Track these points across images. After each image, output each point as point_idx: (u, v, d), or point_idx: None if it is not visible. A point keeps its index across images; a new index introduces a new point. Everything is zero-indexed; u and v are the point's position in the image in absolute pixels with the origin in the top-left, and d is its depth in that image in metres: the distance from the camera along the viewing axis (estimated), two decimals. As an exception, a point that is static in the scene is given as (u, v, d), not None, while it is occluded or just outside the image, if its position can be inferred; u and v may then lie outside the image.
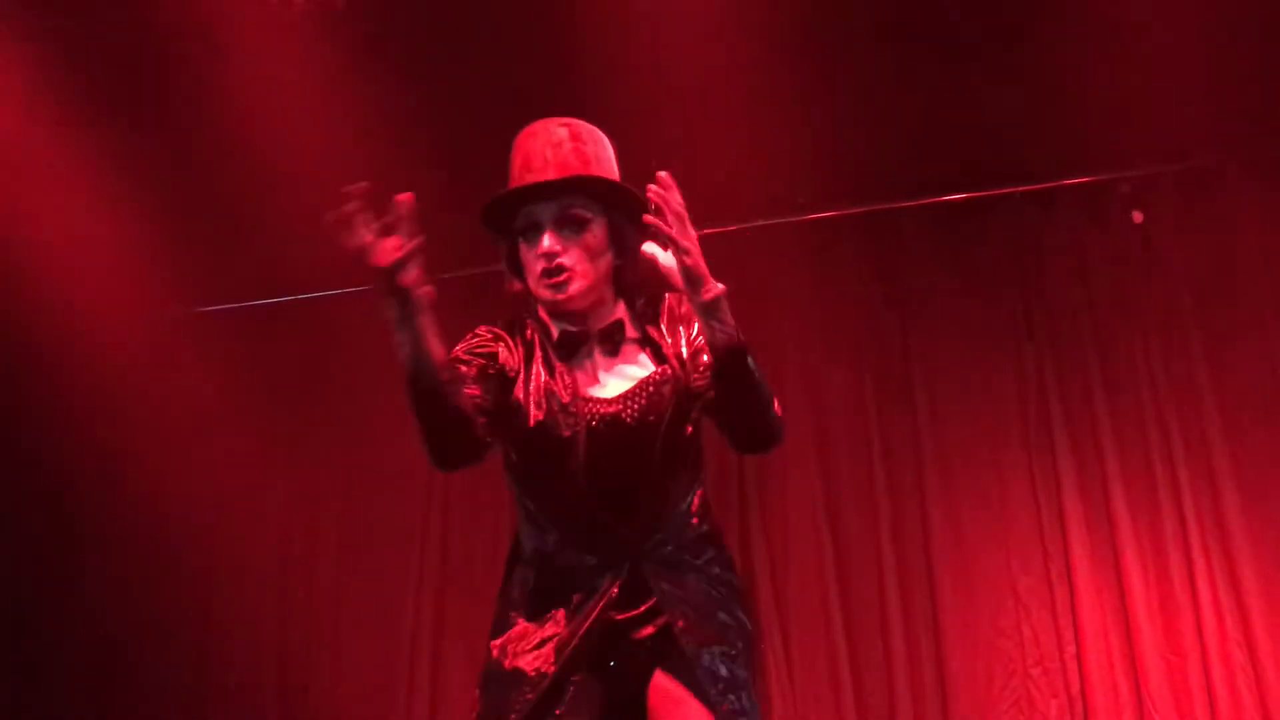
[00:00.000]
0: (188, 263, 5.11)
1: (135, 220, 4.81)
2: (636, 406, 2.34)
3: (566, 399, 2.33)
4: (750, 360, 2.22)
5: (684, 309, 2.42)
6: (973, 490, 4.70)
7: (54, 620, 5.23)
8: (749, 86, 4.29)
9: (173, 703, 5.10)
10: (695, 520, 2.39)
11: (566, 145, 2.39)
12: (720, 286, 2.24)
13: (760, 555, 4.74)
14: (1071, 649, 4.44)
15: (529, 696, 2.24)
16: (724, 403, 2.28)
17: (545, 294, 2.36)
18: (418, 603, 5.05)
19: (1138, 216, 4.69)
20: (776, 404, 2.30)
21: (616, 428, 2.32)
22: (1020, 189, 4.84)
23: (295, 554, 5.26)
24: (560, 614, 2.31)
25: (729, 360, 2.21)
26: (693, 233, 2.24)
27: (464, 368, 2.32)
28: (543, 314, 2.43)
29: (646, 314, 2.45)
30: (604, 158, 2.43)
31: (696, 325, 2.34)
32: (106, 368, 5.14)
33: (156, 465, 5.18)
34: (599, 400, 2.35)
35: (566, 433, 2.31)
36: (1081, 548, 4.50)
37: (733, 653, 2.29)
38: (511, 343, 2.40)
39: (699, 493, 2.43)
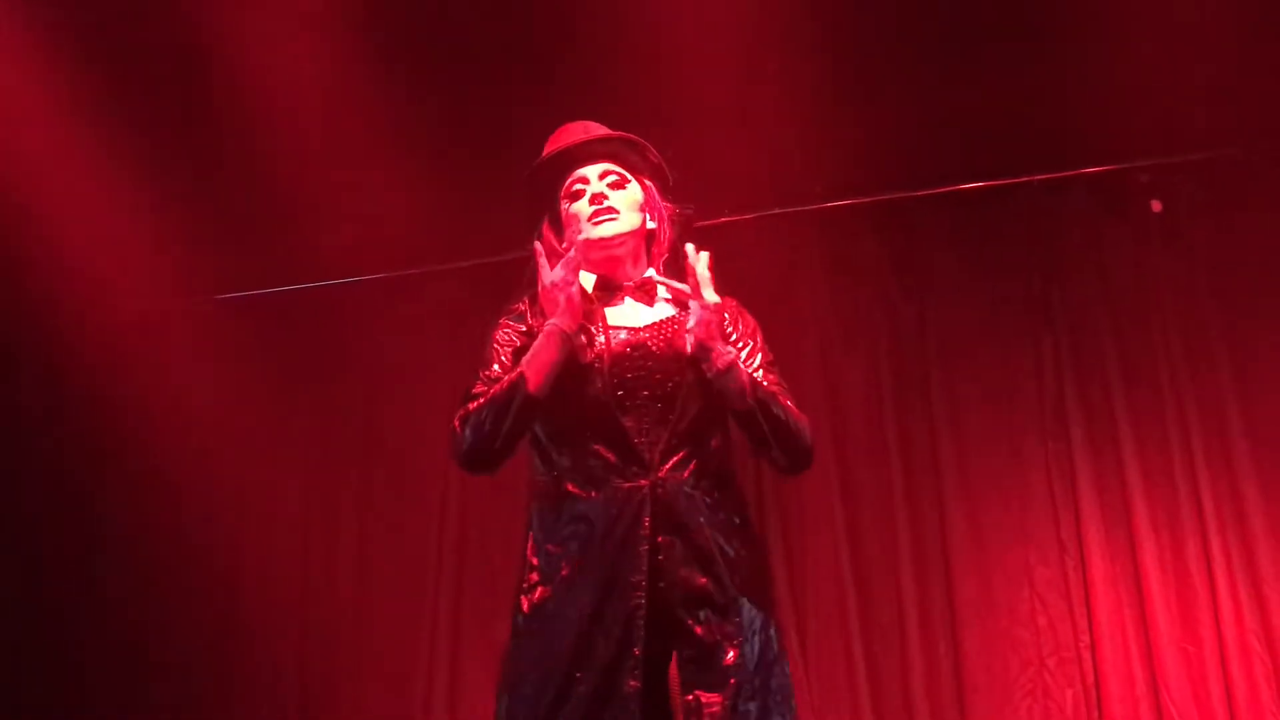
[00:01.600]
0: (205, 250, 5.13)
1: (153, 207, 4.82)
2: (664, 337, 2.48)
3: (593, 328, 2.46)
4: (768, 412, 2.39)
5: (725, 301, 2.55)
6: (989, 481, 4.68)
7: (75, 605, 5.25)
8: (767, 75, 4.28)
9: (194, 689, 5.12)
10: (717, 457, 2.45)
11: (601, 129, 2.66)
12: (730, 354, 2.40)
13: (776, 547, 4.74)
14: (1087, 639, 4.42)
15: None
16: (750, 439, 2.43)
17: (594, 231, 2.54)
18: (437, 585, 5.07)
19: (1156, 205, 4.67)
20: (807, 432, 2.48)
21: (641, 351, 2.45)
22: (1038, 177, 4.82)
23: (315, 541, 5.27)
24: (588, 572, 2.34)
25: (746, 419, 2.40)
26: (712, 300, 2.42)
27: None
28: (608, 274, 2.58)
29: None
30: (645, 147, 2.69)
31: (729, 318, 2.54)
32: (123, 356, 5.17)
33: (175, 453, 5.20)
34: (628, 328, 2.50)
35: (591, 355, 2.43)
36: (1098, 538, 4.48)
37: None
38: (534, 311, 2.55)
39: (720, 435, 2.49)
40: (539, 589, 2.40)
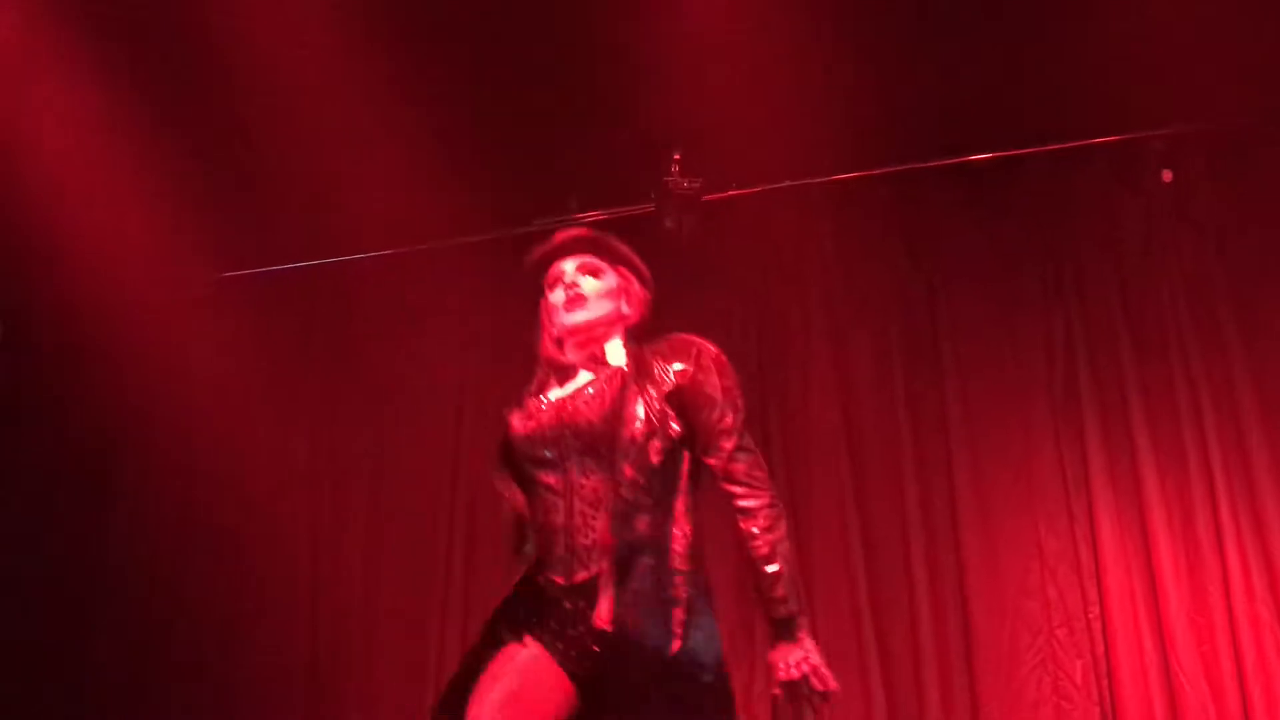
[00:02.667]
0: (214, 228, 5.13)
1: (161, 186, 4.82)
2: (582, 396, 2.69)
3: (539, 402, 2.75)
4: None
5: (685, 381, 2.69)
6: (999, 452, 4.69)
7: (86, 585, 5.29)
8: (777, 46, 4.26)
9: (203, 670, 5.16)
10: (672, 559, 2.60)
11: (584, 232, 2.93)
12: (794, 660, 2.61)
13: (787, 520, 4.74)
14: (1096, 609, 4.44)
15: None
16: None
17: (564, 319, 2.81)
18: (448, 565, 5.10)
19: (1167, 175, 4.65)
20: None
21: (569, 414, 2.67)
22: (1049, 148, 4.80)
23: (324, 520, 5.30)
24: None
25: None
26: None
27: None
28: (552, 356, 2.84)
29: (643, 357, 2.75)
30: (618, 243, 2.92)
31: (703, 409, 2.67)
32: (135, 334, 5.18)
33: (185, 430, 5.23)
34: (562, 396, 2.73)
35: (533, 425, 2.70)
36: (1108, 509, 4.49)
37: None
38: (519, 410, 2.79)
39: (678, 530, 2.62)
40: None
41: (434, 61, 4.47)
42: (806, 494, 4.78)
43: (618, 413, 2.63)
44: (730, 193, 4.95)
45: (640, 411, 2.63)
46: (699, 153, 4.73)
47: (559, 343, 2.84)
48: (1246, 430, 4.46)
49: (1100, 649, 4.40)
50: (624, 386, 2.68)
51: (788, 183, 4.97)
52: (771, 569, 2.61)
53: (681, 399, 2.66)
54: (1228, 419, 4.49)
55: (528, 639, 2.62)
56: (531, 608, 2.63)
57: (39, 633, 5.16)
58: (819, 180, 4.99)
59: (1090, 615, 4.44)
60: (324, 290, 5.46)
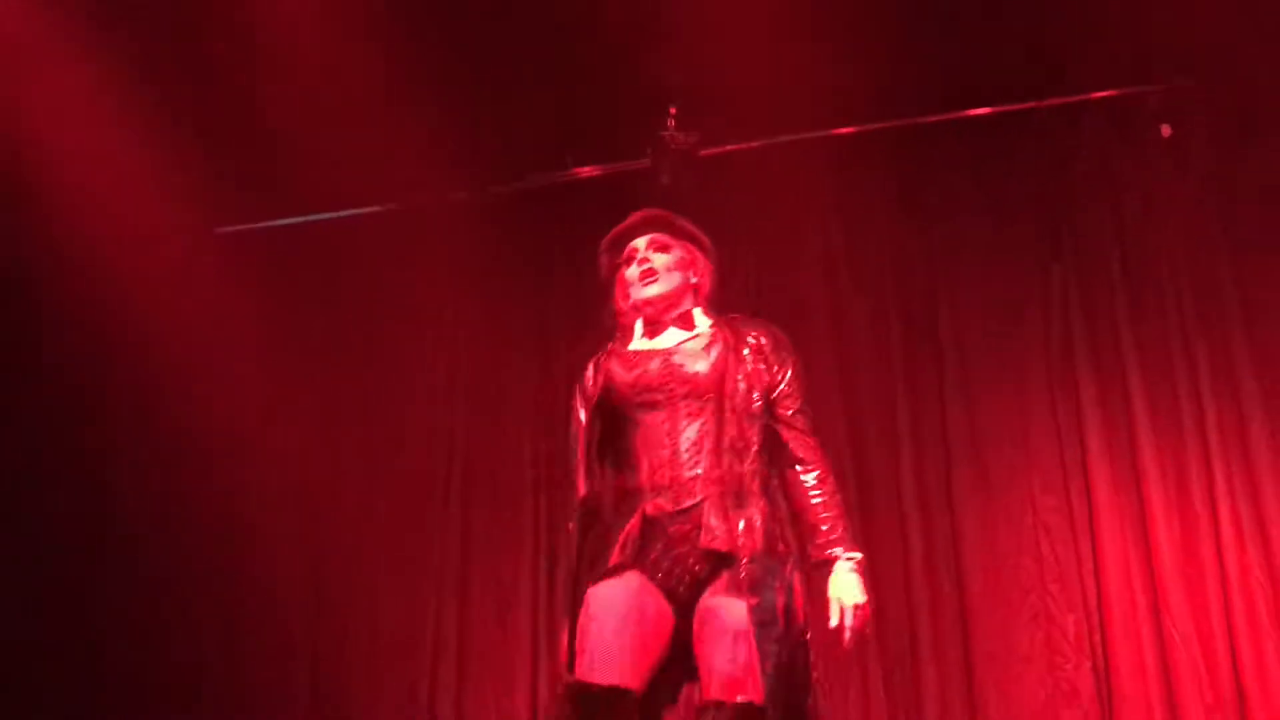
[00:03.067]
0: (207, 183, 5.10)
1: (155, 139, 4.79)
2: (684, 351, 3.06)
3: (643, 358, 3.07)
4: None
5: (768, 347, 3.10)
6: (995, 410, 4.70)
7: (80, 535, 5.29)
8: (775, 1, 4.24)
9: (201, 625, 5.18)
10: (751, 476, 2.96)
11: (659, 212, 3.27)
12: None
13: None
14: (1090, 565, 4.47)
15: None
16: None
17: (638, 291, 3.14)
18: (444, 519, 5.12)
19: (1166, 130, 4.63)
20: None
21: (677, 364, 3.03)
22: (1048, 103, 4.78)
23: (318, 475, 5.28)
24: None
25: None
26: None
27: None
28: (627, 320, 3.19)
29: (727, 324, 3.13)
30: (683, 220, 3.27)
31: (778, 371, 3.08)
32: (129, 289, 5.16)
33: (180, 385, 5.21)
34: (663, 350, 3.08)
35: (640, 373, 3.04)
36: (1102, 466, 4.51)
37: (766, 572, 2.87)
38: (594, 373, 3.15)
39: (759, 464, 2.98)
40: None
41: (430, 17, 4.43)
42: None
43: (719, 365, 3.02)
44: (727, 148, 4.93)
45: (737, 367, 3.02)
46: (695, 107, 4.70)
47: (635, 310, 3.18)
48: (1242, 389, 4.47)
49: (1093, 604, 4.44)
50: (722, 345, 3.06)
51: (785, 138, 4.94)
52: (829, 513, 2.96)
53: (764, 360, 3.06)
54: (1223, 378, 4.50)
55: (628, 573, 2.89)
56: (634, 536, 2.92)
57: (32, 573, 5.19)
58: (816, 135, 4.96)
59: (1084, 571, 4.47)
60: (320, 245, 5.43)
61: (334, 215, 5.37)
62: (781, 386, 3.06)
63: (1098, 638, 4.40)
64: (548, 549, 4.97)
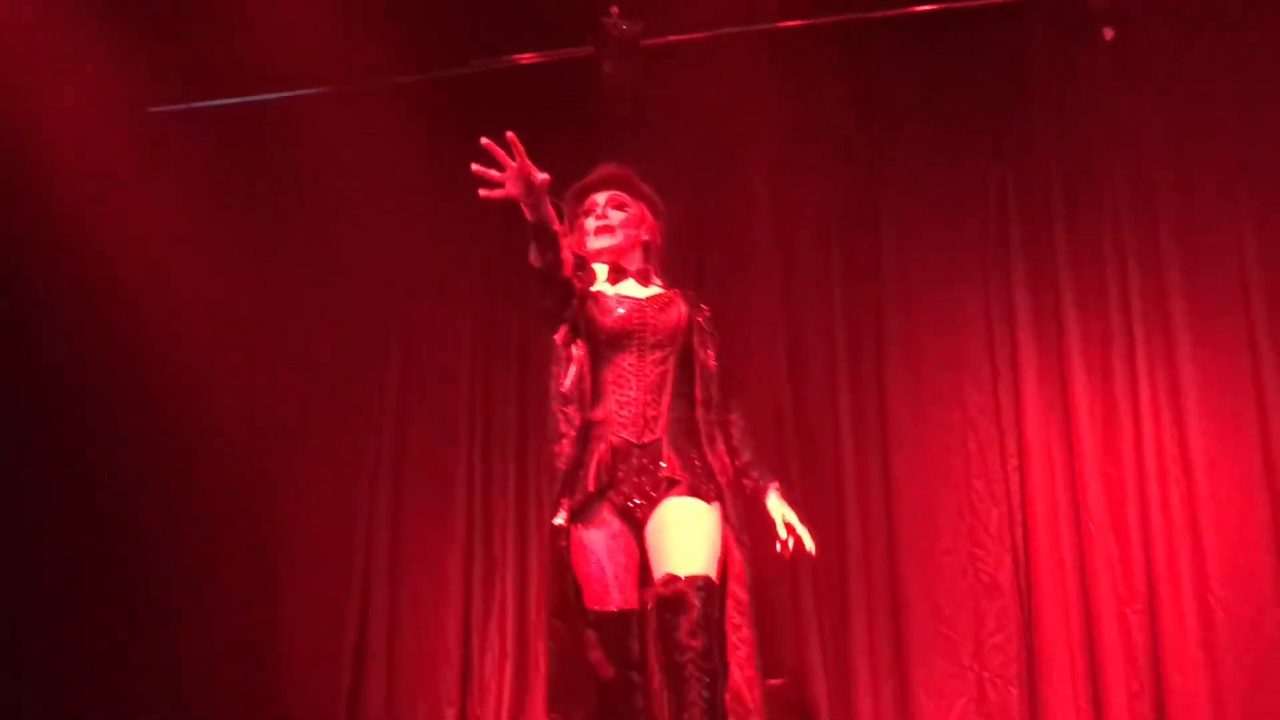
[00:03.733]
0: (148, 61, 4.97)
1: (85, 18, 4.67)
2: (656, 303, 3.47)
3: (615, 303, 3.45)
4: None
5: (709, 316, 3.56)
6: (930, 307, 4.76)
7: (13, 428, 5.25)
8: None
9: (134, 536, 5.16)
10: (701, 419, 3.42)
11: (622, 170, 3.63)
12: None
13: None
14: (1015, 462, 4.58)
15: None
16: None
17: (595, 243, 3.52)
18: (379, 424, 5.13)
19: (1109, 34, 4.62)
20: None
21: (649, 316, 3.44)
22: (993, 1, 4.75)
23: (260, 371, 5.28)
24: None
25: None
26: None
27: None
28: (607, 261, 3.53)
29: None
30: (638, 178, 3.64)
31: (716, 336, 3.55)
32: (70, 173, 5.02)
33: (124, 273, 5.12)
34: (633, 299, 3.47)
35: (618, 319, 3.42)
36: (1030, 366, 4.59)
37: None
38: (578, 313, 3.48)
39: (708, 410, 3.43)
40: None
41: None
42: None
43: (682, 321, 3.47)
44: (671, 38, 4.86)
45: (693, 326, 3.48)
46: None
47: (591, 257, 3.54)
48: (1169, 294, 4.55)
49: (1016, 499, 4.55)
50: (683, 304, 3.51)
51: (731, 29, 4.88)
52: (754, 454, 3.50)
53: (709, 325, 3.53)
54: (1152, 284, 4.57)
55: (604, 511, 3.36)
56: (605, 463, 3.36)
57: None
58: (763, 28, 4.90)
59: (1008, 467, 4.58)
60: (257, 129, 5.32)
61: (272, 97, 5.25)
62: (713, 351, 3.52)
63: (1019, 532, 4.52)
64: (483, 456, 5.00)
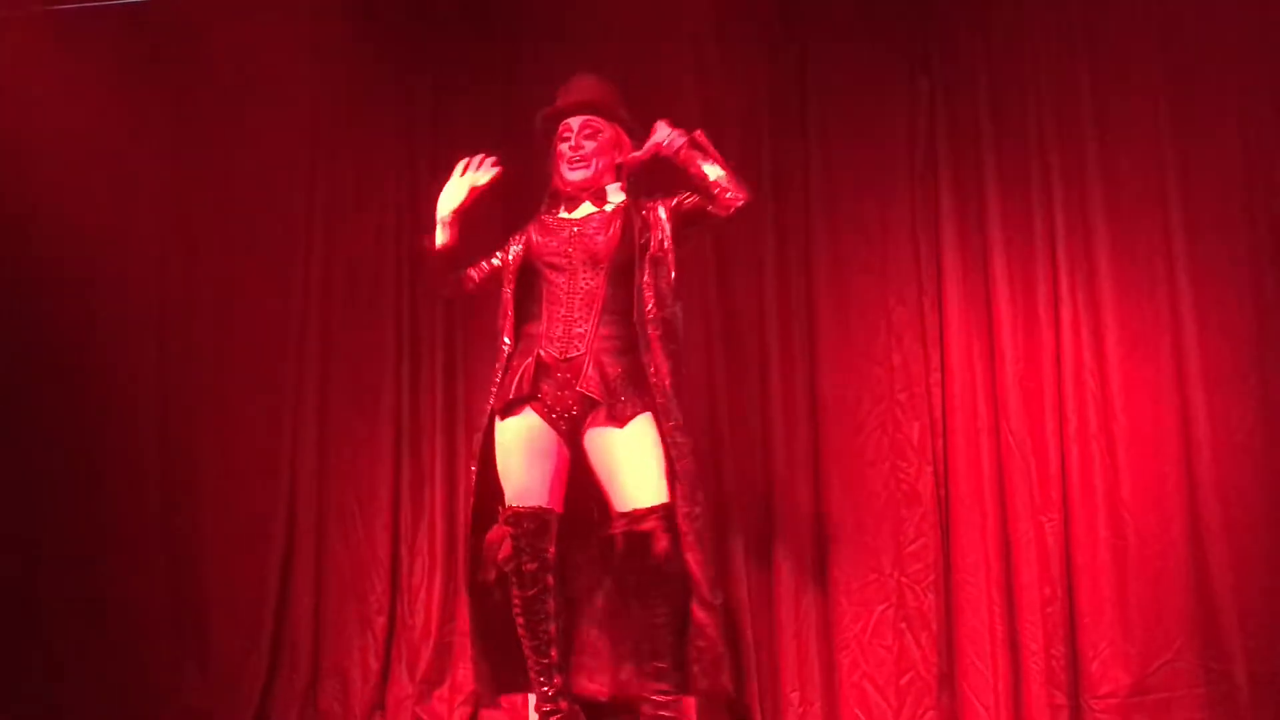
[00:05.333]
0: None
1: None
2: (592, 224, 3.77)
3: (558, 227, 3.82)
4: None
5: (657, 205, 3.79)
6: (857, 222, 4.76)
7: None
8: None
9: (46, 447, 5.09)
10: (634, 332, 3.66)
11: (593, 86, 3.86)
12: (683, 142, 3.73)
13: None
14: (937, 375, 4.64)
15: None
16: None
17: (571, 175, 3.79)
18: (303, 326, 5.05)
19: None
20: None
21: (580, 235, 3.74)
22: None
23: (172, 272, 5.16)
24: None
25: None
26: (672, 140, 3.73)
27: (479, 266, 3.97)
28: (560, 188, 3.86)
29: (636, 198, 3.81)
30: (617, 99, 3.88)
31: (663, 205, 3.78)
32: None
33: (21, 180, 4.93)
34: (575, 219, 3.80)
35: (551, 238, 3.80)
36: (955, 281, 4.63)
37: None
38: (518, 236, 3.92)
39: (642, 320, 3.65)
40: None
41: None
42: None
43: (614, 238, 3.70)
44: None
45: (632, 238, 3.68)
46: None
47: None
48: (1091, 216, 4.59)
49: (938, 412, 4.63)
50: (623, 218, 3.73)
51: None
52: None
53: (655, 215, 3.75)
54: (1075, 204, 4.61)
55: (526, 410, 3.67)
56: (529, 375, 3.65)
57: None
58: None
59: (931, 381, 4.65)
60: (163, 24, 5.10)
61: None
62: (673, 205, 3.76)
63: (940, 444, 4.61)
64: (410, 366, 4.96)
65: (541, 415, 3.68)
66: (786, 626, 4.56)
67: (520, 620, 3.70)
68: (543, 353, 3.68)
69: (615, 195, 3.83)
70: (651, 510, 3.55)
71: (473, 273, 3.94)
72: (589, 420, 3.65)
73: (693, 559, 3.55)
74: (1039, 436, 4.55)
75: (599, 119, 3.80)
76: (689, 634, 3.60)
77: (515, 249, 3.86)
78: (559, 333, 3.68)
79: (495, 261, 3.92)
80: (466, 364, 4.94)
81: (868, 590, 4.59)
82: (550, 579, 3.68)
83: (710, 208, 3.66)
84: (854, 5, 4.82)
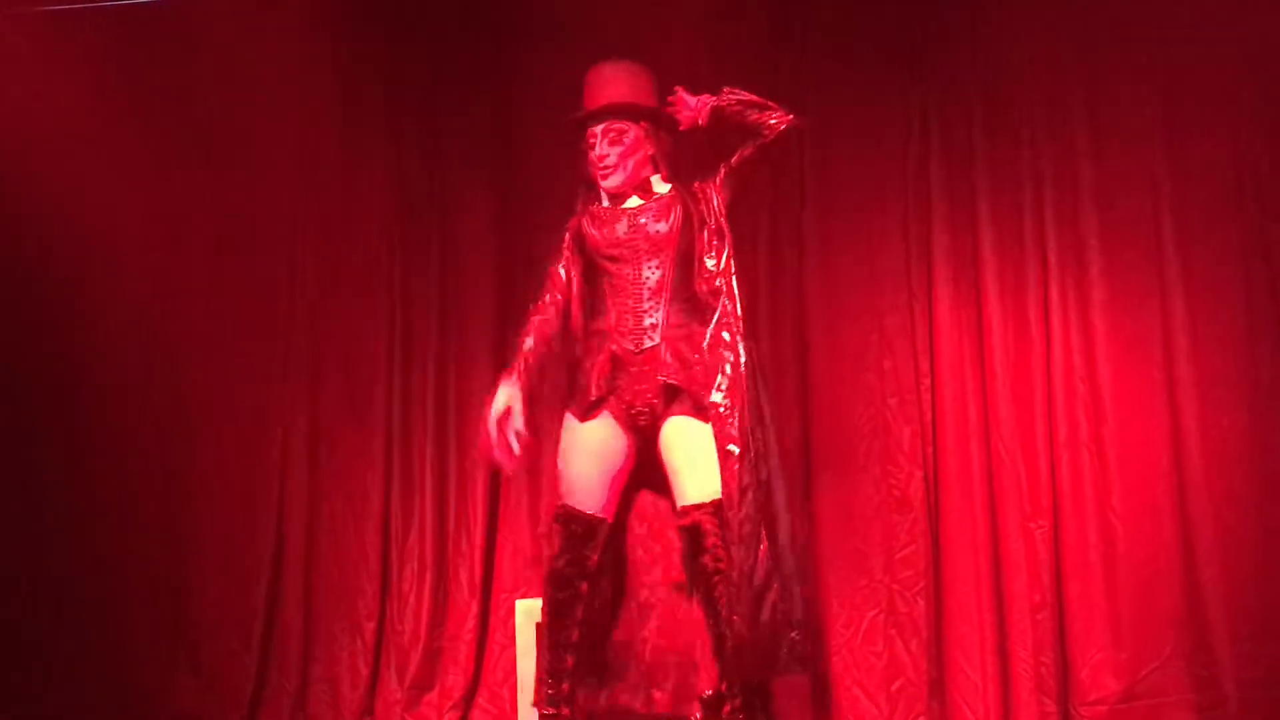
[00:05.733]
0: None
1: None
2: (649, 213, 3.70)
3: (612, 217, 3.72)
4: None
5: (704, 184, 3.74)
6: (850, 227, 4.77)
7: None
8: None
9: (44, 438, 5.07)
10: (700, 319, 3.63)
11: (615, 81, 3.74)
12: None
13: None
14: (928, 381, 4.65)
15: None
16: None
17: (606, 184, 3.72)
18: (292, 317, 5.04)
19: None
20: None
21: (642, 225, 3.68)
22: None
23: (164, 285, 5.13)
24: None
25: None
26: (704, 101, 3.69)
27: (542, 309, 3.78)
28: (606, 189, 3.76)
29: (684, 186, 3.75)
30: (641, 86, 3.75)
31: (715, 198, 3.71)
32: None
33: (11, 179, 4.92)
34: (630, 210, 3.72)
35: (610, 231, 3.70)
36: (946, 286, 4.64)
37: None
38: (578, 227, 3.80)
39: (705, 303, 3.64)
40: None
41: None
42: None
43: (675, 225, 3.64)
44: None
45: (691, 226, 3.64)
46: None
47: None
48: (1083, 218, 4.61)
49: (928, 417, 4.64)
50: (681, 207, 3.67)
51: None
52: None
53: (705, 194, 3.71)
54: (1067, 209, 4.63)
55: (603, 414, 3.62)
56: (605, 372, 3.60)
57: None
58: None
59: (922, 386, 4.66)
60: (155, 29, 5.08)
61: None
62: (720, 179, 3.72)
63: (930, 450, 4.62)
64: (402, 370, 4.95)
65: (618, 414, 3.64)
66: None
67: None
68: (615, 348, 3.63)
69: (660, 186, 3.76)
70: (702, 505, 3.51)
71: (550, 314, 3.76)
72: (670, 410, 3.59)
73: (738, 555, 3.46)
74: (1029, 443, 4.56)
75: (621, 122, 3.70)
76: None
77: (565, 249, 3.78)
78: (630, 325, 3.63)
79: (562, 273, 3.79)
80: (459, 370, 4.93)
81: (858, 595, 4.59)
82: (585, 586, 3.63)
83: (756, 143, 3.64)
84: (848, 15, 4.83)
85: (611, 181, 3.70)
